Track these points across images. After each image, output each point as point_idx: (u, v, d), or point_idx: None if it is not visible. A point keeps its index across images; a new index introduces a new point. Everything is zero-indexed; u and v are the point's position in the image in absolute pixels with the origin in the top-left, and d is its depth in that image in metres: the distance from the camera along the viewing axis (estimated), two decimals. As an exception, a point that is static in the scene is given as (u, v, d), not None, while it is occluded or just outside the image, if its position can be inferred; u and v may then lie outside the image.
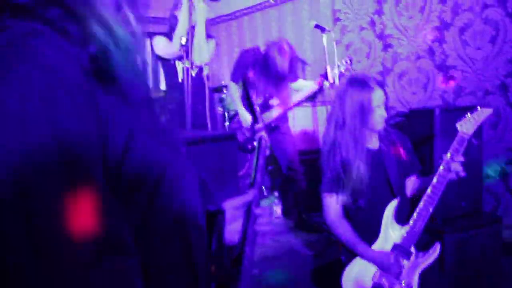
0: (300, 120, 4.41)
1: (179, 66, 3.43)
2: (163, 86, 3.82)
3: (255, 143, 1.24)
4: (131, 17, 0.84)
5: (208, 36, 3.47)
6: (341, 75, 3.87)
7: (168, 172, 0.80)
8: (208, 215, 1.08)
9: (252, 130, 3.99)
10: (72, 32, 0.69)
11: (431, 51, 3.91)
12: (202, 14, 3.30)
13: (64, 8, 0.71)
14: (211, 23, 6.34)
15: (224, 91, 5.26)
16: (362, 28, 4.49)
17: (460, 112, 3.16)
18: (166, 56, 3.49)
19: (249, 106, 4.07)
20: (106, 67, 0.70)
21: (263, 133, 1.22)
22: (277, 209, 4.36)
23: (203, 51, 3.33)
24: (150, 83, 4.02)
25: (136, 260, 0.71)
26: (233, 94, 4.12)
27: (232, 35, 6.16)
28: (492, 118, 3.53)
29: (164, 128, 0.84)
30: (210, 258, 1.02)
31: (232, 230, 1.11)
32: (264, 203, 4.43)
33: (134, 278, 0.70)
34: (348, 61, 3.89)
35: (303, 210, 3.95)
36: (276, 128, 3.98)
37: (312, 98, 4.25)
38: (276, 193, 4.47)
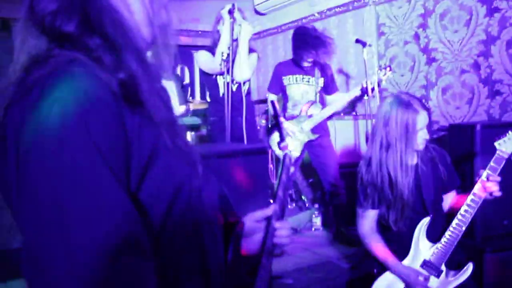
0: (341, 133, 4.43)
1: (220, 80, 3.53)
2: (208, 98, 3.96)
3: (282, 157, 1.29)
4: (162, 47, 0.97)
5: (250, 50, 3.56)
6: (379, 82, 3.87)
7: (186, 185, 0.90)
8: (227, 226, 1.16)
9: (291, 140, 4.04)
10: (106, 60, 0.82)
11: (476, 65, 3.84)
12: (246, 34, 3.38)
13: (104, 38, 0.83)
14: (256, 37, 6.49)
15: (268, 105, 5.36)
16: (406, 42, 4.46)
17: (503, 128, 3.11)
18: (208, 71, 3.59)
19: (276, 124, 4.15)
20: (133, 92, 0.82)
21: (288, 151, 1.27)
22: (317, 221, 4.38)
23: (244, 68, 3.42)
24: (179, 101, 4.13)
25: (152, 263, 0.79)
26: (272, 104, 4.17)
27: (278, 49, 6.26)
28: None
29: (184, 146, 0.92)
30: (225, 266, 1.10)
31: (253, 241, 1.18)
32: (305, 215, 4.46)
33: (148, 280, 0.78)
34: (388, 69, 3.88)
35: (342, 223, 3.95)
36: (316, 141, 4.03)
37: (352, 110, 4.26)
38: (316, 206, 4.50)
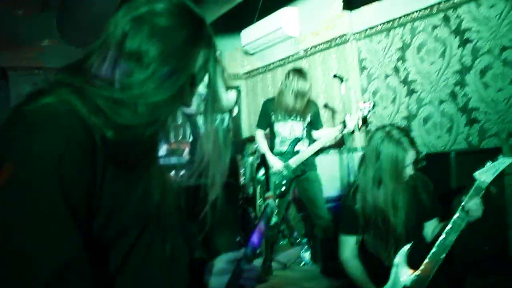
0: (327, 167, 4.47)
1: (200, 120, 3.60)
2: (189, 138, 4.03)
3: (264, 206, 1.35)
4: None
5: (227, 87, 3.65)
6: (364, 119, 3.96)
7: (150, 227, 1.01)
8: (193, 261, 1.24)
9: (280, 175, 4.09)
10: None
11: (453, 95, 3.93)
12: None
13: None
14: (246, 76, 6.64)
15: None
16: (387, 75, 4.57)
17: (477, 155, 3.17)
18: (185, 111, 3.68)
19: (263, 164, 4.20)
20: (116, 150, 0.92)
21: (271, 201, 1.32)
22: (306, 256, 4.38)
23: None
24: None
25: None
26: (259, 140, 4.28)
27: (267, 87, 6.40)
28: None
29: (151, 191, 1.02)
30: None
31: (221, 281, 1.21)
32: (295, 250, 4.45)
33: None
34: (370, 105, 3.97)
35: (330, 256, 3.95)
36: (303, 175, 4.08)
37: (337, 145, 4.32)
38: (305, 240, 4.50)
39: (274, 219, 1.33)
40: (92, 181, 0.87)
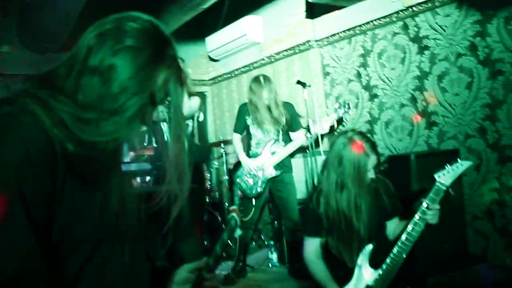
0: (297, 170, 4.54)
1: (164, 126, 3.59)
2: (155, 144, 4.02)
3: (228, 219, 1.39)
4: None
5: (190, 94, 3.68)
6: (340, 120, 4.09)
7: (108, 238, 1.04)
8: (155, 271, 1.27)
9: (256, 176, 4.13)
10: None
11: (413, 99, 4.08)
12: None
13: None
14: (211, 82, 6.66)
15: (222, 146, 5.47)
16: (350, 81, 4.70)
17: (435, 157, 3.30)
18: None
19: (239, 164, 4.20)
20: (76, 162, 0.94)
21: (235, 214, 1.37)
22: (273, 258, 4.43)
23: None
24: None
25: None
26: (235, 144, 4.34)
27: (232, 92, 6.44)
28: (474, 160, 3.63)
29: (110, 203, 1.05)
30: None
31: None
32: (263, 253, 4.49)
33: None
34: (347, 106, 4.11)
35: (298, 258, 4.01)
36: (279, 176, 4.14)
37: (303, 149, 4.40)
38: (272, 242, 4.56)
39: (238, 232, 1.37)
40: (51, 192, 0.89)
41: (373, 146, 2.40)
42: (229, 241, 1.32)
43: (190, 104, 3.58)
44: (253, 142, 4.30)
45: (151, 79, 1.01)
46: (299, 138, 4.21)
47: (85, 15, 4.64)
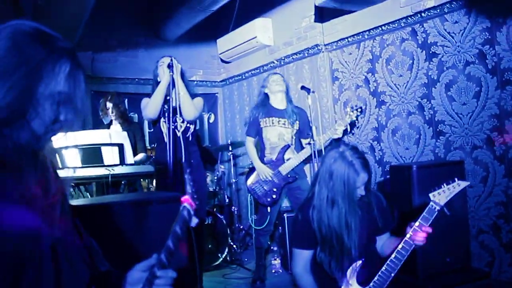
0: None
1: (164, 127, 3.59)
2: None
3: (180, 209, 1.35)
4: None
5: (195, 95, 3.66)
6: (353, 123, 4.03)
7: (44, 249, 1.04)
8: (101, 275, 1.24)
9: (271, 183, 4.09)
10: None
11: (420, 107, 4.00)
12: (177, 72, 3.47)
13: None
14: (222, 84, 6.66)
15: (230, 149, 5.45)
16: (358, 86, 4.63)
17: (437, 168, 3.23)
18: (145, 118, 3.70)
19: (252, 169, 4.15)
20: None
21: (187, 204, 1.33)
22: (276, 264, 4.40)
23: (187, 107, 3.48)
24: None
25: None
26: (249, 148, 4.27)
27: (243, 95, 6.42)
28: (481, 172, 3.54)
29: (28, 217, 1.03)
30: None
31: None
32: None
33: None
34: (359, 109, 4.07)
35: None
36: (292, 181, 4.09)
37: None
38: (275, 248, 4.52)
39: (194, 221, 1.33)
40: None
41: (365, 163, 2.33)
42: (181, 233, 1.27)
43: (195, 102, 3.55)
44: (266, 146, 4.22)
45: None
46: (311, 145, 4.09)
47: (94, 17, 4.70)
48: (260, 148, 4.30)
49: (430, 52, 3.89)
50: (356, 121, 4.12)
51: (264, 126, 4.20)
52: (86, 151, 3.63)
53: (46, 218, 1.06)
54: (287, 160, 4.08)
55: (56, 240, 1.07)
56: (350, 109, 4.15)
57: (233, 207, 5.58)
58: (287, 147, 4.13)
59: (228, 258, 4.86)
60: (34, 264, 1.01)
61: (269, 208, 4.13)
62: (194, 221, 1.32)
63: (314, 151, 3.83)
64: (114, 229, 1.79)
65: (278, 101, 4.20)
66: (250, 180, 4.24)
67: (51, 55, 1.04)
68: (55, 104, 1.05)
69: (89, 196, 3.69)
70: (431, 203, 2.18)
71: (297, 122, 4.18)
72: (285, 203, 4.44)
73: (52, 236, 1.06)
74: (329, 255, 2.37)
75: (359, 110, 4.09)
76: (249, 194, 4.35)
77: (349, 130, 4.15)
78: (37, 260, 1.02)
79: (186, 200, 1.32)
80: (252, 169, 4.27)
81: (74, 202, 2.02)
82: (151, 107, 3.49)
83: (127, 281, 1.27)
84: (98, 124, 5.21)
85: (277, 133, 4.17)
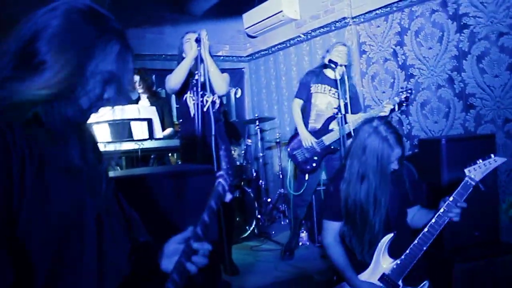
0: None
1: (190, 102, 3.61)
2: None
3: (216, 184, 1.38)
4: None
5: (221, 71, 3.65)
6: (400, 104, 3.92)
7: (78, 226, 1.07)
8: (140, 245, 1.30)
9: (312, 150, 4.09)
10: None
11: (450, 80, 3.93)
12: (205, 47, 3.44)
13: None
14: (248, 59, 6.64)
15: (257, 123, 5.48)
16: (386, 60, 4.57)
17: (466, 142, 3.19)
18: (168, 90, 3.69)
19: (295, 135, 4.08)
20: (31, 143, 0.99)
21: (222, 180, 1.34)
22: (304, 236, 4.46)
23: (218, 81, 3.46)
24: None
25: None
26: (295, 111, 4.20)
27: (270, 69, 6.41)
28: (512, 146, 3.48)
29: (74, 189, 1.08)
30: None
31: (171, 262, 1.28)
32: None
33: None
34: (410, 90, 3.87)
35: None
36: (334, 152, 4.07)
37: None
38: (303, 221, 4.56)
39: (228, 197, 1.35)
40: (8, 185, 0.93)
41: (399, 138, 2.31)
42: (216, 207, 1.31)
43: (224, 78, 3.54)
44: (313, 113, 4.14)
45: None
46: (356, 120, 3.88)
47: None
48: (307, 113, 4.20)
49: (461, 23, 3.80)
50: (405, 102, 3.98)
51: (315, 92, 4.13)
52: (115, 126, 3.71)
53: (90, 190, 1.11)
54: (332, 130, 4.07)
55: (100, 211, 1.13)
56: (400, 89, 4.00)
57: (260, 181, 5.63)
58: (333, 117, 4.05)
59: (255, 231, 4.94)
60: (79, 236, 1.06)
61: (307, 176, 4.13)
62: (229, 197, 1.35)
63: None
64: (149, 201, 1.85)
65: (334, 72, 4.04)
66: (292, 145, 4.20)
67: (103, 35, 1.07)
68: (103, 82, 1.08)
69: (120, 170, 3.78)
70: (466, 178, 2.14)
71: (347, 94, 4.08)
72: (324, 176, 4.39)
73: (96, 207, 1.12)
74: (350, 231, 2.39)
75: (408, 91, 3.96)
76: (289, 160, 4.32)
77: (396, 109, 4.01)
78: (81, 231, 1.07)
79: (222, 177, 1.35)
80: (296, 135, 4.21)
81: (110, 174, 2.09)
82: (173, 78, 3.49)
83: (164, 252, 1.32)
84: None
85: (327, 101, 4.09)
